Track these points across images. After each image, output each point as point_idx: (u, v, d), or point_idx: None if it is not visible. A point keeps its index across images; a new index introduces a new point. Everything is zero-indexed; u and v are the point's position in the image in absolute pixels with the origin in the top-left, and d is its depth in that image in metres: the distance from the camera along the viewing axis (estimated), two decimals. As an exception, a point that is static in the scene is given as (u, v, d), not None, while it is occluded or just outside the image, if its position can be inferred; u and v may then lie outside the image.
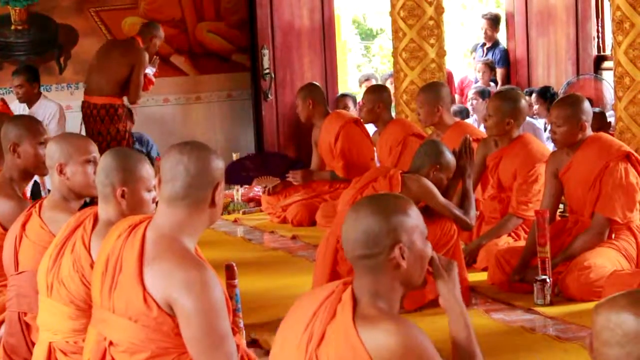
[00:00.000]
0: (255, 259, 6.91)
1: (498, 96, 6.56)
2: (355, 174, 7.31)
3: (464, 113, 9.75)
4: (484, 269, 6.01)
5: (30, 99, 8.88)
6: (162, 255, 3.15)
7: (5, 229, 4.46)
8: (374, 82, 11.35)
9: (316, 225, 7.83)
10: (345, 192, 5.93)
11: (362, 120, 8.25)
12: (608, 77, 9.92)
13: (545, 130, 8.89)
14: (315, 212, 7.96)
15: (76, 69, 10.04)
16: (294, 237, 7.57)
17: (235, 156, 9.75)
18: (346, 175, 8.08)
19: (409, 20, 8.33)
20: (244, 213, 8.64)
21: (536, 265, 5.43)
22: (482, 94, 9.89)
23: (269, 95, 10.58)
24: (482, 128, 7.62)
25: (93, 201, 3.99)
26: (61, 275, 3.72)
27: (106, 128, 8.70)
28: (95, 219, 3.80)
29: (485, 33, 11.29)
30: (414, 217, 2.86)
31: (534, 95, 9.73)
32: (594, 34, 11.00)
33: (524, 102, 6.40)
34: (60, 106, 9.07)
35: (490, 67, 11.01)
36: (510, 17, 11.43)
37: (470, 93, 10.18)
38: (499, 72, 11.17)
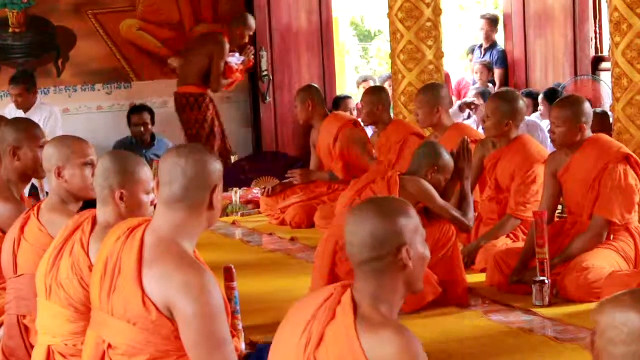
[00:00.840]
0: (253, 261, 6.91)
1: (496, 97, 6.55)
2: (354, 175, 7.32)
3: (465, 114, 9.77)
4: (483, 271, 6.01)
5: (27, 106, 8.95)
6: (161, 258, 3.15)
7: (4, 232, 4.46)
8: (371, 84, 11.35)
9: (315, 227, 7.82)
10: (344, 194, 5.93)
11: (362, 123, 8.25)
12: (606, 78, 9.92)
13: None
14: (313, 214, 7.96)
15: (74, 71, 10.04)
16: (292, 239, 7.56)
17: (233, 158, 9.76)
18: (345, 177, 8.08)
19: (407, 22, 8.32)
20: (242, 215, 8.64)
21: (535, 266, 5.43)
22: (483, 95, 9.89)
23: (268, 97, 10.58)
24: (481, 130, 7.62)
25: (90, 204, 3.99)
26: (60, 278, 3.72)
27: (195, 116, 9.54)
28: (94, 222, 3.80)
29: (485, 34, 11.29)
30: (415, 219, 2.87)
31: (540, 96, 9.71)
32: (592, 35, 11.01)
33: (522, 103, 6.40)
34: (55, 109, 9.10)
35: (488, 68, 11.02)
36: (508, 19, 11.44)
37: (471, 94, 10.18)
38: (497, 73, 11.17)
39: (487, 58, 11.21)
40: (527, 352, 4.68)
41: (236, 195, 8.83)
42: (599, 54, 10.98)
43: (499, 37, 11.53)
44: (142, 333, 3.14)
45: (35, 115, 8.71)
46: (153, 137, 9.85)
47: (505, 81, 11.13)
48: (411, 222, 2.84)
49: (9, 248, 4.27)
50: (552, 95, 9.59)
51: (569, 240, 5.67)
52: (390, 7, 8.43)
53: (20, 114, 8.77)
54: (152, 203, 3.84)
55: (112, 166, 3.76)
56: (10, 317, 4.24)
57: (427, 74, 8.34)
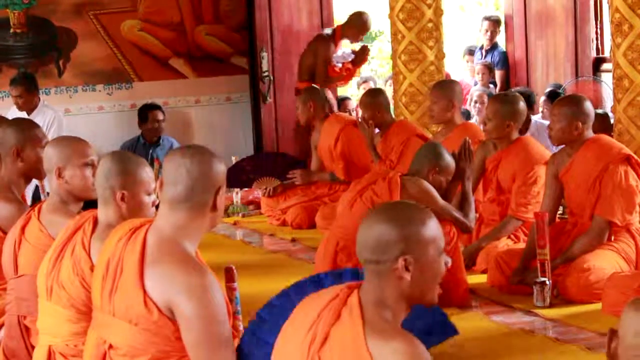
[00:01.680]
0: (254, 261, 6.91)
1: (497, 99, 6.56)
2: (355, 176, 7.31)
3: (465, 115, 9.74)
4: (484, 271, 6.01)
5: (29, 107, 8.94)
6: (163, 259, 3.15)
7: (5, 233, 4.46)
8: (371, 85, 11.34)
9: (316, 228, 7.82)
10: (345, 195, 5.93)
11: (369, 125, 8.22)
12: (607, 79, 9.92)
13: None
14: (314, 214, 7.95)
15: (75, 72, 10.04)
16: (293, 240, 7.56)
17: (234, 159, 9.75)
18: (346, 177, 8.08)
19: (408, 22, 8.32)
20: (243, 216, 8.64)
21: (536, 267, 5.43)
22: (489, 96, 9.87)
23: (268, 98, 10.58)
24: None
25: (91, 204, 3.99)
26: (61, 279, 3.72)
27: None
28: (95, 222, 3.80)
29: (489, 35, 11.28)
30: (432, 231, 2.81)
31: (542, 98, 9.70)
32: (593, 36, 10.99)
33: (522, 105, 6.40)
34: (59, 113, 9.09)
35: (489, 69, 11.01)
36: (509, 20, 11.43)
37: (474, 95, 10.15)
38: (498, 74, 11.17)
39: (488, 59, 11.21)
40: (528, 353, 4.68)
41: (237, 196, 8.83)
42: (600, 55, 10.97)
43: (500, 38, 11.52)
44: (144, 333, 3.14)
45: (38, 117, 8.70)
46: (159, 135, 9.87)
47: (506, 82, 11.12)
48: (423, 233, 2.78)
49: (10, 248, 4.27)
50: (554, 96, 9.58)
51: (570, 241, 5.67)
52: (392, 8, 8.43)
53: (23, 115, 8.77)
54: (153, 204, 3.84)
55: (113, 167, 3.76)
56: (11, 317, 4.24)
57: (428, 74, 8.34)
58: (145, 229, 3.26)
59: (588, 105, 5.73)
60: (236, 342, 3.25)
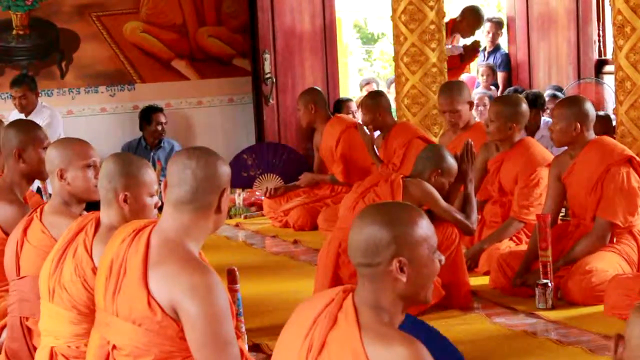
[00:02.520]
0: (256, 263, 6.91)
1: (499, 101, 6.56)
2: (355, 178, 7.32)
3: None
4: (486, 273, 6.01)
5: (30, 109, 8.95)
6: (167, 260, 3.15)
7: (7, 234, 4.46)
8: (374, 86, 11.34)
9: (318, 230, 7.83)
10: (347, 197, 5.93)
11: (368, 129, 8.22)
12: (609, 81, 9.92)
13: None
14: (316, 216, 7.96)
15: (78, 73, 10.04)
16: (295, 242, 7.57)
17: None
18: (346, 180, 8.08)
19: (410, 24, 8.32)
20: (245, 217, 8.64)
21: (538, 269, 5.43)
22: (491, 98, 9.86)
23: (270, 100, 10.57)
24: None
25: (94, 206, 3.99)
26: (63, 280, 3.72)
27: None
28: (97, 224, 3.80)
29: (492, 36, 11.28)
30: (423, 230, 2.77)
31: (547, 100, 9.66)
32: (595, 38, 10.99)
33: (525, 106, 6.40)
34: (55, 112, 9.10)
35: (493, 70, 11.01)
36: (511, 21, 11.43)
37: (475, 98, 10.13)
38: (500, 76, 11.16)
39: (491, 61, 11.21)
40: (530, 355, 4.68)
41: (239, 197, 8.84)
42: (602, 57, 10.97)
43: (502, 40, 11.52)
44: (147, 334, 3.15)
45: (37, 118, 8.71)
46: (161, 138, 9.88)
47: (508, 84, 11.12)
48: (415, 233, 2.74)
49: (12, 250, 4.27)
50: (534, 101, 9.55)
51: (572, 243, 5.68)
52: (394, 10, 8.43)
53: (22, 117, 8.78)
54: (155, 205, 3.84)
55: (116, 168, 3.76)
56: (13, 318, 4.24)
57: (430, 76, 8.34)
58: (149, 230, 3.26)
59: (588, 106, 5.73)
60: (238, 343, 3.25)
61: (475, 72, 11.42)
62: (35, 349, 4.02)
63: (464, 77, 11.45)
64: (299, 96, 8.66)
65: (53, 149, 4.28)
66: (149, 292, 3.13)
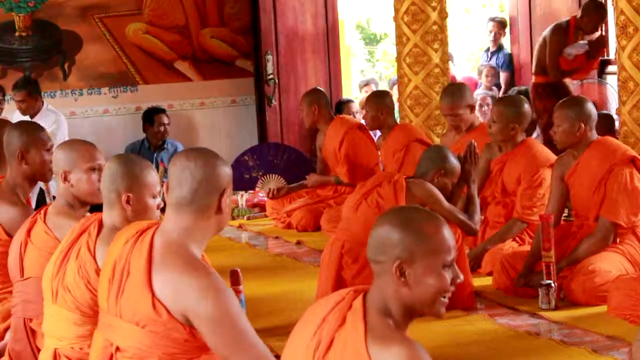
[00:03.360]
0: (260, 264, 6.91)
1: (501, 102, 6.56)
2: (359, 179, 7.31)
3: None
4: (489, 274, 6.01)
5: (32, 112, 8.95)
6: (171, 262, 3.15)
7: (10, 236, 4.47)
8: (373, 87, 11.34)
9: (321, 231, 7.82)
10: (350, 198, 5.93)
11: (367, 127, 8.25)
12: (612, 81, 9.90)
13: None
14: (319, 217, 7.95)
15: (80, 75, 10.05)
16: (298, 243, 7.57)
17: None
18: (350, 180, 8.08)
19: (413, 25, 8.33)
20: (248, 219, 8.64)
21: (541, 269, 5.43)
22: (493, 99, 9.86)
23: (273, 101, 10.58)
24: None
25: (99, 208, 3.99)
26: (66, 282, 3.72)
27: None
28: (100, 225, 3.80)
29: (494, 36, 11.28)
30: (438, 243, 2.75)
31: None
32: (598, 38, 10.98)
33: (527, 107, 6.40)
34: (61, 117, 9.09)
35: (496, 71, 11.02)
36: (513, 22, 11.42)
37: (478, 99, 10.13)
38: (503, 76, 11.16)
39: (493, 61, 11.21)
40: (534, 356, 4.68)
41: (242, 198, 8.84)
42: (605, 57, 10.96)
43: (505, 41, 11.51)
44: (151, 336, 3.15)
45: (41, 122, 8.69)
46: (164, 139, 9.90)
47: (511, 84, 11.11)
48: (427, 242, 2.74)
49: (16, 251, 4.27)
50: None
51: (575, 243, 5.67)
52: (396, 10, 8.43)
53: (27, 119, 8.77)
54: (158, 207, 3.84)
55: (118, 170, 3.77)
56: (16, 320, 4.25)
57: (433, 77, 8.34)
58: (152, 231, 3.26)
59: (589, 106, 5.72)
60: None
61: (476, 72, 11.43)
62: (38, 350, 4.02)
63: (463, 78, 11.47)
64: (302, 97, 8.66)
65: (59, 151, 4.29)
66: (153, 294, 3.13)
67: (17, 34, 9.89)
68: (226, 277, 4.27)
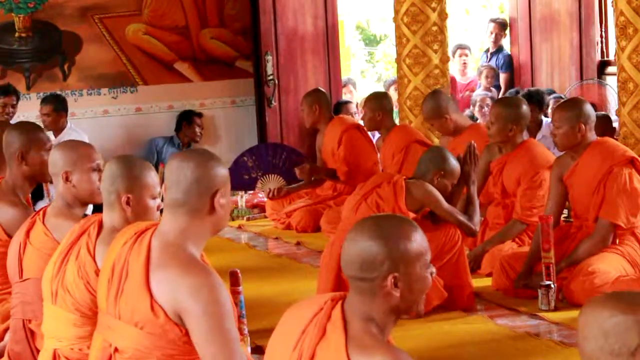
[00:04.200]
0: (259, 265, 6.91)
1: (500, 103, 6.56)
2: (358, 179, 7.31)
3: (470, 119, 9.73)
4: (489, 275, 6.02)
5: (56, 128, 8.90)
6: (168, 263, 3.15)
7: (10, 236, 4.47)
8: (351, 88, 11.31)
9: (320, 232, 7.82)
10: (350, 199, 5.93)
11: (366, 127, 8.25)
12: (612, 82, 9.92)
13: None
14: (319, 218, 7.96)
15: (80, 76, 10.05)
16: (298, 243, 7.57)
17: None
18: (348, 180, 8.08)
19: (413, 26, 8.33)
20: (248, 219, 8.64)
21: (540, 270, 5.43)
22: (492, 100, 9.85)
23: (273, 102, 10.58)
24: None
25: (99, 208, 3.99)
26: (66, 282, 3.72)
27: None
28: (100, 226, 3.80)
29: (494, 37, 11.28)
30: (417, 244, 2.75)
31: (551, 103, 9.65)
32: (598, 39, 11.00)
33: (525, 108, 6.40)
34: (84, 137, 9.05)
35: (495, 72, 11.02)
36: (513, 23, 11.43)
37: (477, 99, 10.13)
38: (502, 77, 11.16)
39: (493, 62, 11.21)
40: (533, 357, 4.68)
41: (242, 199, 8.84)
42: (605, 58, 10.97)
43: (505, 41, 11.52)
44: (149, 337, 3.14)
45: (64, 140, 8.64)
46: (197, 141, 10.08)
47: (510, 85, 11.12)
48: (410, 248, 2.73)
49: (15, 252, 4.27)
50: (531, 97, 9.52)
51: (575, 244, 5.67)
52: (396, 11, 8.44)
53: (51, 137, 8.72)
54: (158, 207, 3.84)
55: (118, 170, 3.77)
56: (16, 321, 4.24)
57: (432, 78, 8.35)
58: (151, 232, 3.26)
59: (588, 107, 5.73)
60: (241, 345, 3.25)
61: (477, 73, 11.43)
62: (38, 351, 4.02)
63: (462, 78, 11.46)
64: (303, 97, 8.66)
65: (58, 152, 4.28)
66: (151, 295, 3.13)
67: (17, 34, 9.89)
68: (226, 277, 4.27)
